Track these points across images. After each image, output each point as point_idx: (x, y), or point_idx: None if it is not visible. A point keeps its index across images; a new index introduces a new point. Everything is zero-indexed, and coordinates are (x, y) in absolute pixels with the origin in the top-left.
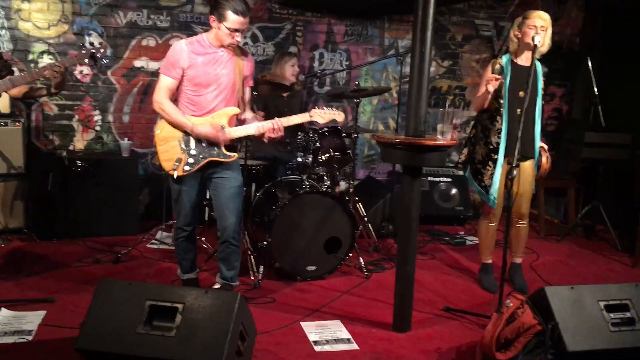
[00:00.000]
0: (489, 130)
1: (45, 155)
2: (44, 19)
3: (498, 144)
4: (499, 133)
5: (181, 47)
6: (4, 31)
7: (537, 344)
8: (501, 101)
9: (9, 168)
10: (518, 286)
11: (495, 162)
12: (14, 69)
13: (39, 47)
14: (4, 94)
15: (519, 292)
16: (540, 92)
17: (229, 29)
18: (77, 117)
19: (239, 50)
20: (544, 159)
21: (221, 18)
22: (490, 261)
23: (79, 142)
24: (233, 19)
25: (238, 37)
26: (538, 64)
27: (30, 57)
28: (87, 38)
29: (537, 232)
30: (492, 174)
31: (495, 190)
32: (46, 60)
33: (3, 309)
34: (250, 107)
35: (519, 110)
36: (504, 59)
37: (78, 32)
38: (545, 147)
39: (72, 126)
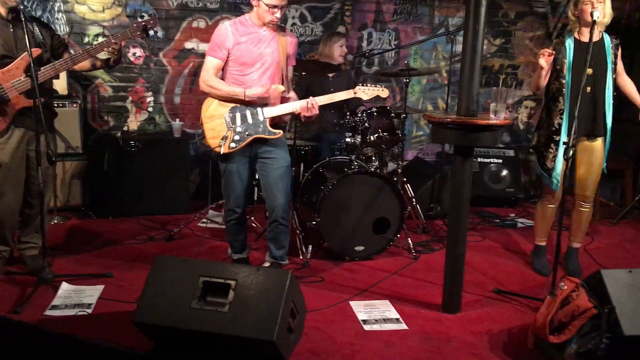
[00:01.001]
0: (552, 111)
1: (100, 135)
2: (98, 2)
3: (560, 125)
4: (561, 114)
5: (226, 28)
6: (60, 14)
7: (593, 328)
8: (563, 81)
9: (67, 148)
10: (571, 269)
11: (557, 143)
12: (71, 51)
13: (94, 29)
14: (62, 74)
15: (572, 276)
16: (610, 66)
17: (267, 5)
18: (130, 98)
19: (281, 30)
20: None
21: None
22: (544, 243)
23: (133, 123)
24: None
25: (277, 14)
26: (607, 38)
27: (86, 39)
28: (139, 20)
29: (592, 215)
30: (555, 156)
31: (557, 173)
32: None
33: (64, 282)
34: (291, 86)
35: (588, 89)
36: (567, 39)
37: (131, 14)
38: None
39: (126, 107)
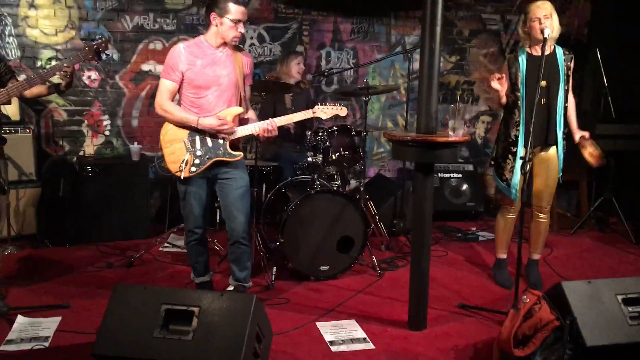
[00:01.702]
0: (508, 123)
1: (56, 161)
2: (51, 26)
3: (517, 136)
4: (518, 125)
5: (179, 51)
6: (11, 38)
7: (556, 340)
8: (518, 94)
9: (20, 175)
10: (533, 281)
11: (514, 155)
12: (23, 75)
13: (47, 53)
14: (13, 100)
15: (534, 288)
16: (562, 78)
17: (232, 20)
18: (86, 122)
19: (237, 49)
20: (586, 154)
21: (222, 12)
22: (504, 256)
23: (89, 147)
24: (235, 9)
25: (241, 29)
26: (559, 51)
27: (39, 63)
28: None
29: (550, 226)
30: (512, 167)
31: (516, 184)
32: None
33: (19, 315)
34: (250, 105)
35: (543, 100)
36: (520, 53)
37: (85, 37)
38: (586, 134)
39: (82, 131)
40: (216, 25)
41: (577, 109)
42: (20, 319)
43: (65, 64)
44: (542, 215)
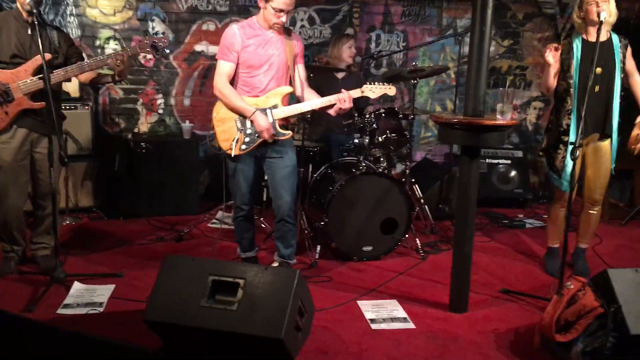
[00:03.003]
0: (560, 112)
1: (112, 137)
2: (109, 6)
3: (569, 125)
4: (569, 114)
5: (234, 31)
6: (72, 18)
7: (599, 327)
8: (570, 81)
9: (78, 150)
10: (579, 270)
11: (566, 144)
12: (83, 54)
13: (105, 33)
14: (73, 78)
15: (580, 276)
16: (618, 66)
17: (274, 8)
18: (141, 100)
19: (287, 31)
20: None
21: None
22: (557, 245)
23: (143, 125)
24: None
25: (283, 18)
26: (615, 38)
27: (97, 42)
28: (150, 24)
29: (601, 216)
30: (564, 157)
31: (567, 175)
32: (112, 45)
33: (76, 282)
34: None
35: (597, 88)
36: (574, 38)
37: (142, 17)
38: None
39: (136, 109)
40: (263, 9)
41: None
42: (76, 285)
43: (120, 52)
44: (594, 207)
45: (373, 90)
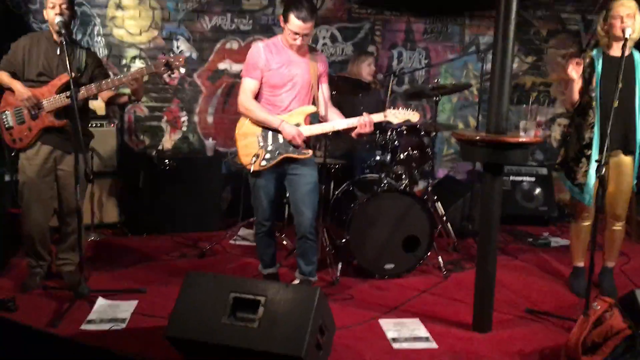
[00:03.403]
0: (582, 125)
1: (136, 154)
2: (136, 26)
3: (591, 139)
4: (592, 127)
5: (258, 49)
6: (99, 38)
7: (626, 349)
8: (592, 95)
9: (103, 166)
10: (607, 290)
11: (589, 158)
12: (110, 73)
13: (131, 52)
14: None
15: (607, 296)
16: (639, 82)
17: (290, 30)
18: (165, 118)
19: (311, 50)
20: None
21: (285, 19)
22: (582, 264)
23: (167, 142)
24: (294, 22)
25: (298, 41)
26: (636, 53)
27: (124, 61)
28: (174, 43)
29: (629, 235)
30: (586, 171)
31: (590, 188)
32: (138, 64)
33: (100, 298)
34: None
35: (616, 103)
36: (595, 52)
37: (167, 37)
38: None
39: (161, 127)
40: (284, 29)
41: None
42: (100, 301)
43: (135, 73)
44: (617, 223)
45: (396, 116)
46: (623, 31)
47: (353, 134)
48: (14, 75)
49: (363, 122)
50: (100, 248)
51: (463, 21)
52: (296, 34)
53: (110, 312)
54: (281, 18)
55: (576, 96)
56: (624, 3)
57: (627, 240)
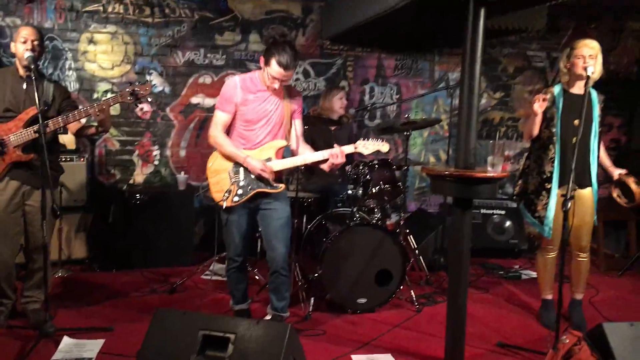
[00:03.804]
0: (542, 159)
1: (106, 188)
2: (108, 60)
3: (552, 172)
4: (552, 162)
5: (235, 84)
6: (71, 72)
7: None
8: (554, 130)
9: (73, 201)
10: (576, 322)
11: (549, 191)
12: (79, 105)
13: (103, 86)
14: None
15: (577, 329)
16: (596, 119)
17: (270, 75)
18: (137, 152)
19: (287, 88)
20: (633, 185)
21: (267, 62)
22: (550, 297)
23: (139, 176)
24: (275, 68)
25: (276, 85)
26: (593, 92)
27: (95, 95)
28: (147, 77)
29: (597, 267)
30: (546, 204)
31: (550, 220)
32: None
33: (65, 337)
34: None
35: (574, 139)
36: (556, 89)
37: (139, 71)
38: (624, 171)
39: (132, 161)
40: (263, 70)
41: (627, 148)
42: (66, 340)
43: (100, 103)
44: (582, 255)
45: (366, 147)
46: (585, 70)
47: (325, 167)
48: None
49: (334, 154)
50: (67, 285)
51: (432, 58)
52: (275, 78)
53: (75, 351)
54: (262, 59)
55: (536, 130)
56: (588, 44)
57: (595, 273)
